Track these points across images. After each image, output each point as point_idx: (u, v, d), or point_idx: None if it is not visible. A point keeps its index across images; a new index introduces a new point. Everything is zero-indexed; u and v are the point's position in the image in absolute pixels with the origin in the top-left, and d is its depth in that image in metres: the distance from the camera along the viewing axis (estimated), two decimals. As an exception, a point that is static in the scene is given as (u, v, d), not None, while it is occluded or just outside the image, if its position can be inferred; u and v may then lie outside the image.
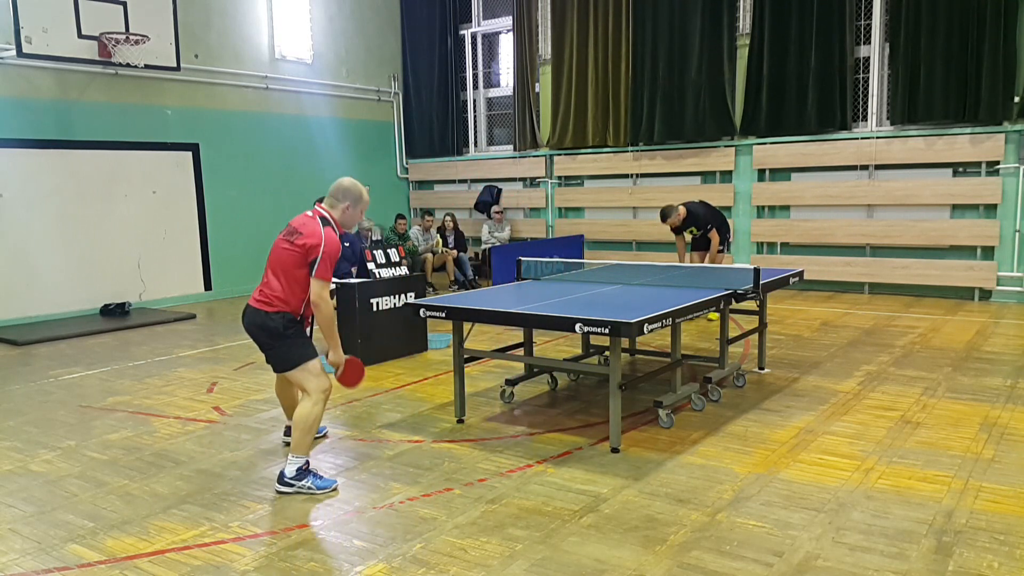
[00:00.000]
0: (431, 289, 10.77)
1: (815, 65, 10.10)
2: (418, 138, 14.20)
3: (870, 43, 10.05)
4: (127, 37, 9.48)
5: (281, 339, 4.05)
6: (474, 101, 13.89)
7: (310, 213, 4.17)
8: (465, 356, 5.20)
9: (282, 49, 12.17)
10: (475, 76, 13.79)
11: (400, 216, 12.18)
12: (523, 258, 6.39)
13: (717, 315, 6.64)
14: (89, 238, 10.02)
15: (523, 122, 12.88)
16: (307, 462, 4.06)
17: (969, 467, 4.16)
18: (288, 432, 4.81)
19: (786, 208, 10.78)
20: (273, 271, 4.10)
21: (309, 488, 3.99)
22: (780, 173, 10.75)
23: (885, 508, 3.67)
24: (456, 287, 11.55)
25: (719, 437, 4.74)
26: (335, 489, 4.02)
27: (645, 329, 4.21)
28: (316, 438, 4.90)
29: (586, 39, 12.00)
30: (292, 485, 4.00)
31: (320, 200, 4.31)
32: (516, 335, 6.41)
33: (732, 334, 6.04)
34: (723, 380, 5.77)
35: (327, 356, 4.23)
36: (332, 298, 4.26)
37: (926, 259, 9.82)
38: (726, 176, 11.21)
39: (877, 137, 9.93)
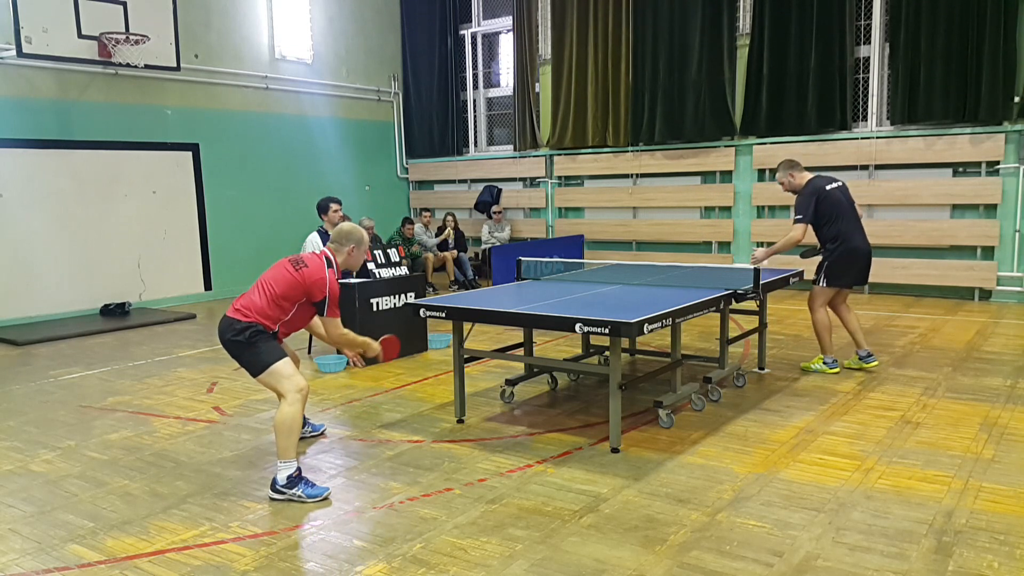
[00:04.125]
0: (431, 289, 10.78)
1: (815, 65, 10.09)
2: (418, 138, 14.20)
3: (870, 43, 10.05)
4: (127, 37, 9.48)
5: (247, 346, 4.07)
6: (474, 101, 13.89)
7: (317, 252, 4.35)
8: (465, 356, 5.20)
9: (282, 49, 12.17)
10: (475, 76, 13.79)
11: (408, 220, 12.17)
12: (523, 258, 6.39)
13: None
14: (89, 238, 10.02)
15: (523, 122, 12.88)
16: (298, 469, 4.01)
17: (969, 467, 4.15)
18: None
19: (786, 208, 10.76)
20: (261, 288, 4.17)
21: (299, 496, 3.94)
22: (780, 173, 10.74)
23: (885, 508, 3.67)
24: (456, 287, 11.56)
25: (719, 437, 4.74)
26: (326, 498, 3.96)
27: (645, 329, 4.21)
28: (314, 435, 4.92)
29: (586, 39, 12.00)
30: (283, 493, 3.96)
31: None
32: (516, 335, 6.41)
33: (732, 334, 6.05)
34: (723, 380, 5.77)
35: (358, 356, 4.58)
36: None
37: (926, 259, 9.82)
38: (726, 176, 11.22)
39: (877, 137, 9.93)
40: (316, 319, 4.45)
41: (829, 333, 6.19)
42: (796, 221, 6.03)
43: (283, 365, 4.06)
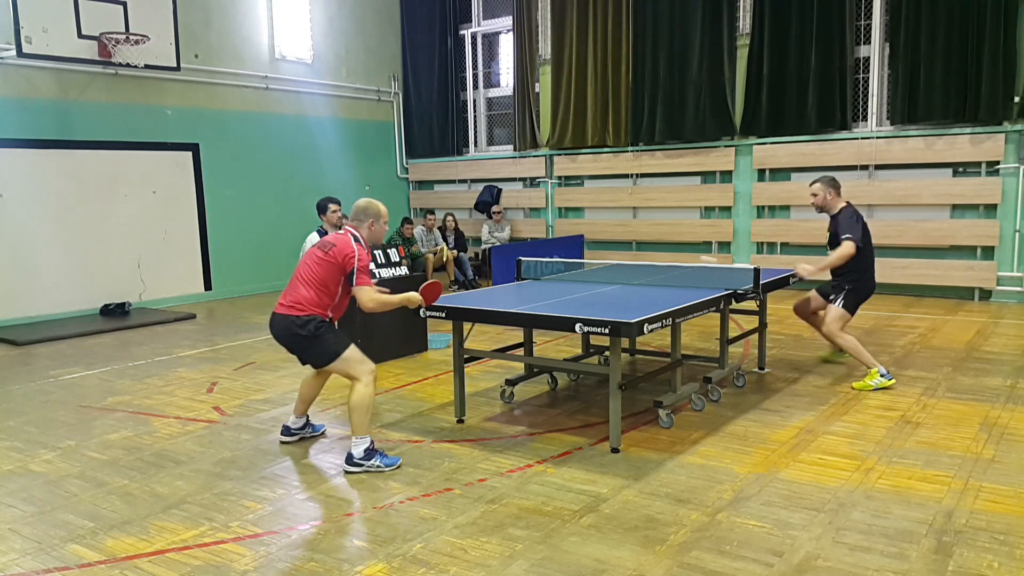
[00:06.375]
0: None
1: (815, 65, 10.09)
2: (418, 138, 14.20)
3: (870, 43, 10.05)
4: (127, 37, 9.48)
5: (314, 339, 4.30)
6: (474, 101, 13.89)
7: (342, 232, 4.46)
8: (465, 356, 5.20)
9: (282, 49, 12.17)
10: (475, 76, 13.79)
11: (407, 220, 12.16)
12: (523, 258, 6.39)
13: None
14: (89, 238, 10.01)
15: (523, 122, 12.88)
16: (371, 442, 4.25)
17: (969, 467, 4.16)
18: (285, 431, 4.89)
19: (786, 208, 10.78)
20: (303, 281, 4.35)
21: (378, 467, 4.21)
22: (780, 173, 10.75)
23: (885, 508, 3.67)
24: (456, 287, 11.56)
25: (719, 437, 4.74)
26: (400, 466, 4.27)
27: (645, 329, 4.21)
28: (314, 435, 4.93)
29: (586, 39, 12.00)
30: (361, 465, 4.21)
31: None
32: (516, 335, 6.40)
33: (732, 334, 6.05)
34: (723, 380, 5.77)
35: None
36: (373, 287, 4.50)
37: (926, 259, 9.81)
38: (726, 176, 11.22)
39: (877, 137, 9.93)
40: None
41: (863, 346, 5.96)
42: (846, 239, 5.79)
43: (353, 351, 4.31)
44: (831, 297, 6.04)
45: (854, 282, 5.97)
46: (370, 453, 4.24)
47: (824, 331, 6.05)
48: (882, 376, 5.75)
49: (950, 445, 4.49)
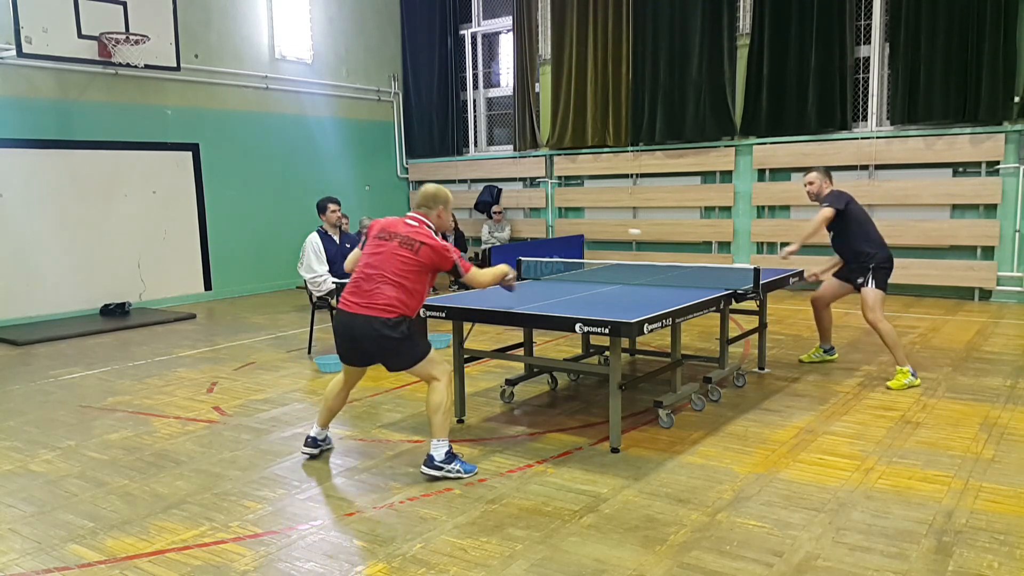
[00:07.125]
0: (431, 289, 10.76)
1: (815, 65, 10.09)
2: (418, 138, 14.20)
3: (870, 43, 10.05)
4: (127, 37, 9.48)
5: (404, 340, 4.11)
6: (474, 101, 13.89)
7: (413, 222, 4.26)
8: (465, 356, 5.21)
9: (282, 49, 12.17)
10: (475, 76, 13.79)
11: None
12: (523, 258, 6.39)
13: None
14: (89, 238, 10.02)
15: (523, 122, 12.88)
16: (451, 446, 4.17)
17: (969, 467, 4.16)
18: (312, 443, 4.55)
19: (786, 208, 10.78)
20: (391, 281, 4.09)
21: (457, 472, 4.12)
22: (780, 173, 10.75)
23: (885, 508, 3.67)
24: (456, 287, 11.55)
25: (719, 437, 4.74)
26: (476, 473, 4.18)
27: (645, 329, 4.21)
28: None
29: (586, 39, 12.00)
30: (441, 469, 4.11)
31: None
32: (516, 335, 6.41)
33: (732, 334, 6.05)
34: (723, 380, 5.77)
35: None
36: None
37: (926, 259, 9.81)
38: (726, 176, 11.22)
39: (877, 137, 9.93)
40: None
41: (900, 340, 5.92)
42: (824, 207, 5.89)
43: (435, 353, 4.23)
44: (859, 281, 5.97)
45: (875, 258, 5.95)
46: (451, 457, 4.12)
47: (868, 318, 5.88)
48: (912, 375, 5.75)
49: (950, 445, 4.50)
